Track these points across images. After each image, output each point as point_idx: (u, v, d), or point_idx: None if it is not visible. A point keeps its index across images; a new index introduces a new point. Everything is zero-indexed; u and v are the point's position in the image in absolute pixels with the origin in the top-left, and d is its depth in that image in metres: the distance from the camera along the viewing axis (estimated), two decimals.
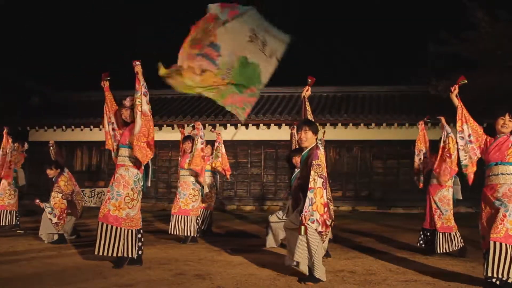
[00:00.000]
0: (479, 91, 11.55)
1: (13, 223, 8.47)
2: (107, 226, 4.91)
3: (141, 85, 4.92)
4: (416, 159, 6.59)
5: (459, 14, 15.37)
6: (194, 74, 5.27)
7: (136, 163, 5.09)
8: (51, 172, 7.07)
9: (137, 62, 4.94)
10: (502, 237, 4.06)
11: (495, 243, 4.06)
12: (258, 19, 5.35)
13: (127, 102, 5.17)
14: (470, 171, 4.51)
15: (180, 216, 7.03)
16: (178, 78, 5.16)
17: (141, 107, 4.89)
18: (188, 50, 5.14)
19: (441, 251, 6.03)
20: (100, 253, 4.89)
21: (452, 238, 6.07)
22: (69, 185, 6.98)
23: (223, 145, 8.66)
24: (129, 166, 5.06)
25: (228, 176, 8.87)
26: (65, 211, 6.88)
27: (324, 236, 4.35)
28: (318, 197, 4.27)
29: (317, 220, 4.22)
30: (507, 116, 4.30)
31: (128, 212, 4.99)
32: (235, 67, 5.47)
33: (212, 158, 8.50)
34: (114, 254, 4.92)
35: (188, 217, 7.03)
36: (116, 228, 4.92)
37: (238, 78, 5.51)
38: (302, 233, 4.20)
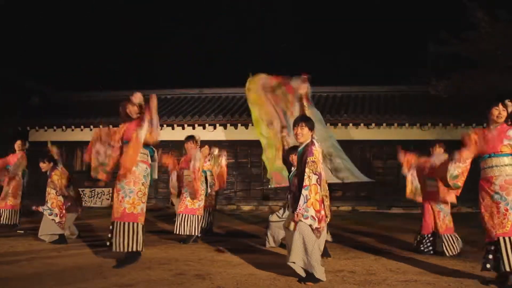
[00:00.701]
0: (479, 91, 11.55)
1: (17, 222, 8.51)
2: (123, 224, 4.95)
3: (152, 116, 4.96)
4: (410, 178, 6.49)
5: (459, 14, 15.33)
6: (263, 116, 5.58)
7: (144, 157, 5.11)
8: (43, 166, 7.05)
9: (153, 98, 4.99)
10: (509, 231, 4.10)
11: (504, 238, 4.10)
12: (338, 147, 5.68)
13: (134, 98, 5.16)
14: (461, 181, 4.53)
15: (186, 215, 7.07)
16: (252, 96, 5.46)
17: (141, 130, 4.95)
18: (264, 88, 5.45)
19: (451, 254, 5.97)
20: (117, 250, 4.94)
21: (455, 238, 6.07)
22: (63, 179, 6.94)
23: (224, 158, 8.81)
24: (139, 161, 5.07)
25: (213, 191, 8.59)
26: (63, 206, 6.87)
27: (322, 231, 4.35)
28: (313, 193, 4.28)
29: (312, 216, 4.23)
30: (500, 106, 4.29)
31: (142, 207, 5.05)
32: None
33: (209, 161, 8.57)
34: (130, 249, 4.96)
35: (194, 216, 7.09)
36: (133, 224, 4.97)
37: None
38: (291, 228, 4.24)
